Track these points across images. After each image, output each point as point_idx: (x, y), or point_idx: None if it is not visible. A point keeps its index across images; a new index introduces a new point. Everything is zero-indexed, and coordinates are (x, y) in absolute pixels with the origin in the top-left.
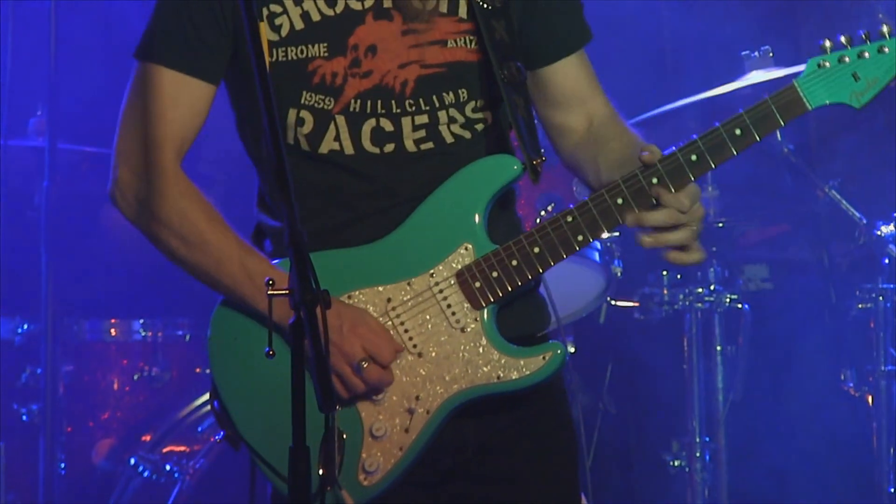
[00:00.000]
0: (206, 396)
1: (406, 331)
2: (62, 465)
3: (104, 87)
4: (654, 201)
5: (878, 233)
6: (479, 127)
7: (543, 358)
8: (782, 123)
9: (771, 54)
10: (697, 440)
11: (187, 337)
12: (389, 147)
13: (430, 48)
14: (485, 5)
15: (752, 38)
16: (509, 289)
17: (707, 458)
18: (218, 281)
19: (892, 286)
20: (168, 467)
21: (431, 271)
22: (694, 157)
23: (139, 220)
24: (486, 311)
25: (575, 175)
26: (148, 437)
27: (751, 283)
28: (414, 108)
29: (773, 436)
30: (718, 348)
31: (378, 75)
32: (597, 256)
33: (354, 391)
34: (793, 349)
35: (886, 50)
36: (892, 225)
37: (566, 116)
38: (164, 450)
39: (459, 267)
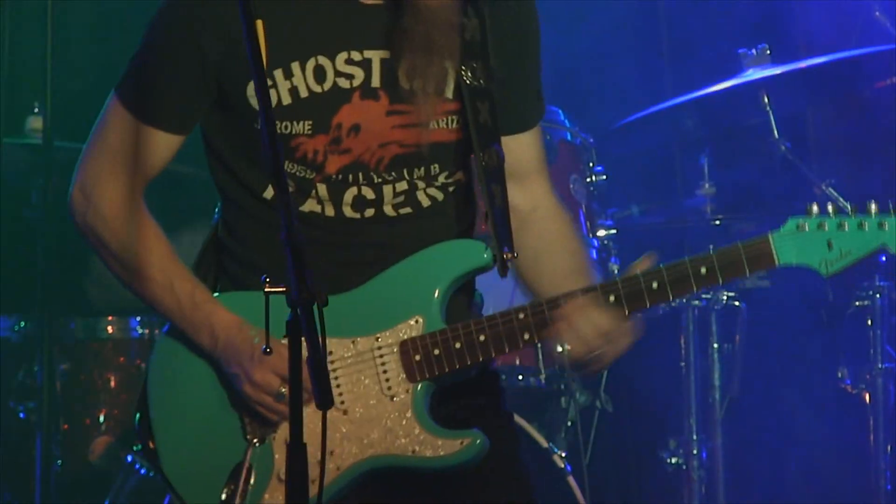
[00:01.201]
0: None
1: (338, 386)
2: (58, 463)
3: (100, 84)
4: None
5: None
6: (452, 189)
7: (461, 443)
8: (747, 273)
9: (768, 52)
10: (695, 438)
11: None
12: (370, 212)
13: (412, 129)
14: (471, 83)
15: (750, 35)
16: (446, 369)
17: (704, 456)
18: (153, 306)
19: (888, 283)
20: None
21: (378, 335)
22: (655, 285)
23: (84, 237)
24: (419, 385)
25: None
26: None
27: (748, 280)
28: (393, 177)
29: (771, 434)
30: (715, 346)
31: (357, 153)
32: (594, 254)
33: (262, 418)
34: (790, 347)
35: (866, 227)
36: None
37: (511, 193)
38: None
39: (405, 337)
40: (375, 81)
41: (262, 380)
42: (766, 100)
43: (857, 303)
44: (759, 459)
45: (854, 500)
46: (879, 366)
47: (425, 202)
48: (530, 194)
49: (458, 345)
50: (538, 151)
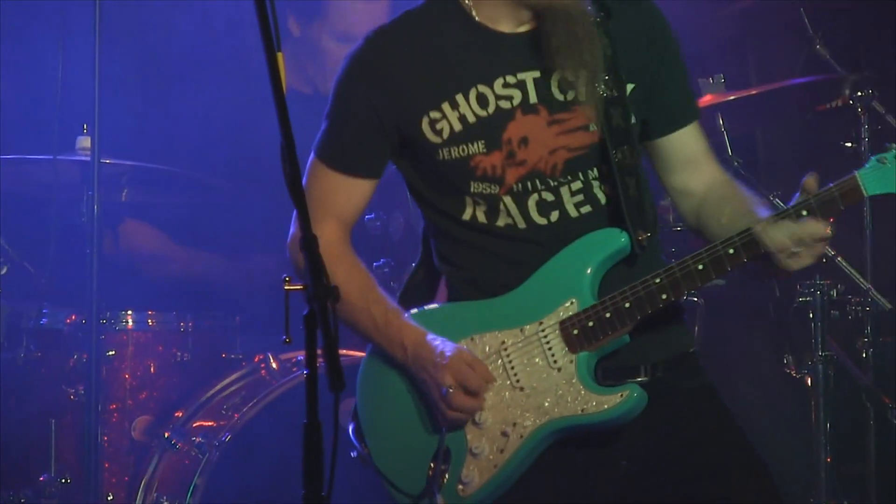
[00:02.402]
0: (230, 378)
1: (512, 367)
2: (105, 440)
3: (142, 107)
4: (728, 269)
5: None
6: (622, 186)
7: (620, 396)
8: (841, 207)
9: (723, 80)
10: None
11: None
12: (555, 215)
13: (574, 134)
14: (604, 94)
15: (708, 65)
16: (601, 337)
17: None
18: (355, 327)
19: (827, 282)
20: (197, 440)
21: (541, 320)
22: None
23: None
24: (580, 355)
25: (699, 235)
26: (180, 414)
27: None
28: (567, 180)
29: None
30: None
31: (531, 163)
32: None
33: (443, 414)
34: (742, 338)
35: None
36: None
37: (686, 180)
38: (194, 425)
39: (564, 317)
40: (532, 98)
41: (441, 380)
42: (721, 122)
43: (800, 299)
44: None
45: (798, 472)
46: (820, 354)
47: (602, 199)
48: (701, 178)
49: (608, 315)
50: (701, 142)
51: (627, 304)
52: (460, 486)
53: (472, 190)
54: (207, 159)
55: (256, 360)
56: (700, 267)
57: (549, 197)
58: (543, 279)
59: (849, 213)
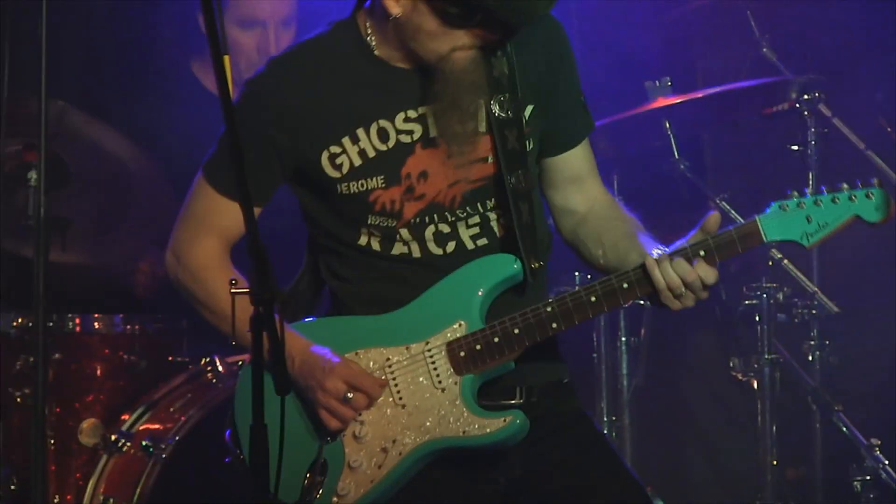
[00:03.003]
0: (177, 381)
1: (396, 385)
2: (52, 443)
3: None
4: (622, 302)
5: None
6: (516, 212)
7: (504, 421)
8: (740, 250)
9: (670, 83)
10: (605, 419)
11: (159, 329)
12: (451, 245)
13: (473, 166)
14: (498, 115)
15: (654, 68)
16: (488, 360)
17: (613, 434)
18: (241, 343)
19: (773, 286)
20: (144, 443)
21: (427, 340)
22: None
23: (178, 292)
24: (465, 377)
25: (575, 252)
26: (127, 417)
27: None
28: (465, 214)
29: (672, 415)
30: (623, 339)
31: (430, 196)
32: None
33: (346, 420)
34: (689, 340)
35: (839, 201)
36: None
37: (566, 198)
38: (141, 427)
39: (451, 338)
40: (433, 132)
41: (332, 386)
42: (667, 125)
43: (746, 302)
44: (661, 438)
45: (744, 473)
46: (766, 356)
47: (499, 231)
48: (586, 195)
49: (496, 339)
50: (589, 158)
51: (517, 331)
52: (335, 499)
53: (369, 222)
54: (161, 162)
55: (203, 362)
56: (592, 299)
57: (445, 229)
58: (432, 299)
59: None
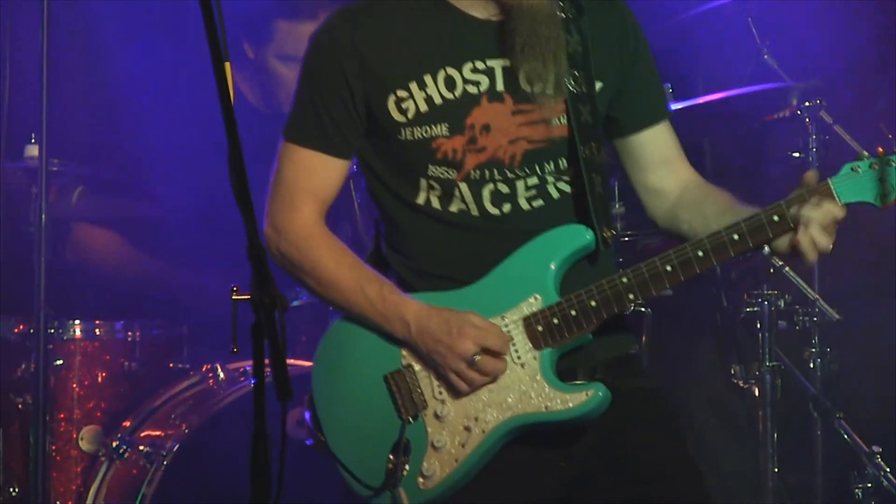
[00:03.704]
0: (178, 387)
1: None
2: (53, 449)
3: (90, 116)
4: (698, 270)
5: None
6: (580, 183)
7: (586, 395)
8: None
9: (671, 89)
10: None
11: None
12: (507, 207)
13: (536, 126)
14: (573, 90)
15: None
16: (566, 334)
17: None
18: (349, 310)
19: (774, 293)
20: (145, 449)
21: (504, 314)
22: (776, 218)
23: (282, 266)
24: (544, 351)
25: (672, 235)
26: (128, 423)
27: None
28: (524, 174)
29: None
30: None
31: (491, 150)
32: None
33: (474, 384)
34: (690, 347)
35: None
36: None
37: (658, 179)
38: (142, 434)
39: (528, 313)
40: (500, 86)
41: (463, 348)
42: None
43: (747, 309)
44: None
45: (746, 481)
46: (767, 364)
47: (555, 195)
48: (676, 176)
49: (573, 312)
50: (673, 141)
51: (594, 303)
52: (421, 480)
53: (429, 173)
54: (156, 167)
55: (204, 369)
56: (668, 268)
57: (504, 188)
58: (506, 273)
59: None
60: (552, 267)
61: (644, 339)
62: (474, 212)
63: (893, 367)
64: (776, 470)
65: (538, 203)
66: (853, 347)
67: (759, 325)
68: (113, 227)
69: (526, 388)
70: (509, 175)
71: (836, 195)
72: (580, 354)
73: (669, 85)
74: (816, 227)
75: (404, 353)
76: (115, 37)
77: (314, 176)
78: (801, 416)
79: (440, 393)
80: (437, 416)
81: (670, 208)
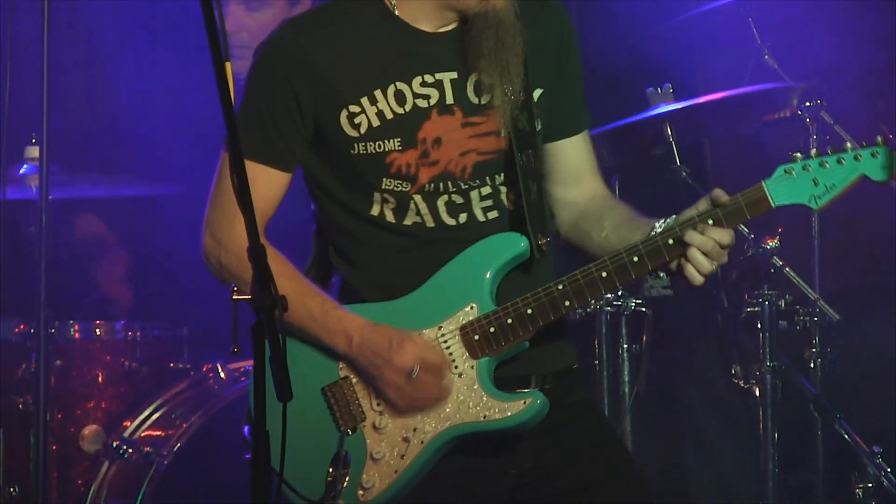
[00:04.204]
0: (179, 387)
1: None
2: (53, 449)
3: (90, 118)
4: (633, 276)
5: (764, 246)
6: (525, 190)
7: (524, 403)
8: (748, 216)
9: (671, 90)
10: None
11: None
12: (463, 217)
13: (486, 138)
14: (511, 96)
15: (656, 76)
16: (503, 342)
17: None
18: (290, 322)
19: (775, 292)
20: (145, 449)
21: (440, 325)
22: (671, 241)
23: (221, 277)
24: (481, 360)
25: (573, 246)
26: (128, 423)
27: (653, 289)
28: (476, 184)
29: (673, 422)
30: (625, 347)
31: (443, 163)
32: None
33: (412, 399)
34: (690, 347)
35: (844, 161)
36: (776, 239)
37: (567, 191)
38: (143, 434)
39: (464, 322)
40: (449, 99)
41: (401, 362)
42: (669, 131)
43: (748, 309)
44: (662, 445)
45: (746, 481)
46: (767, 364)
47: (508, 206)
48: (586, 189)
49: (509, 321)
50: (589, 154)
51: (530, 311)
52: (361, 492)
53: (383, 186)
54: (157, 169)
55: (204, 369)
56: (604, 274)
57: (458, 199)
58: (442, 283)
59: (797, 223)
60: (487, 275)
61: (645, 339)
62: (430, 223)
63: (893, 367)
64: (776, 470)
65: (493, 214)
66: (853, 347)
67: (759, 326)
68: (113, 228)
69: (464, 397)
70: (462, 186)
71: (770, 197)
72: (533, 363)
73: (670, 85)
74: (696, 252)
75: (342, 365)
76: (116, 37)
77: (257, 187)
78: (802, 416)
79: (378, 404)
80: (375, 428)
81: (574, 219)
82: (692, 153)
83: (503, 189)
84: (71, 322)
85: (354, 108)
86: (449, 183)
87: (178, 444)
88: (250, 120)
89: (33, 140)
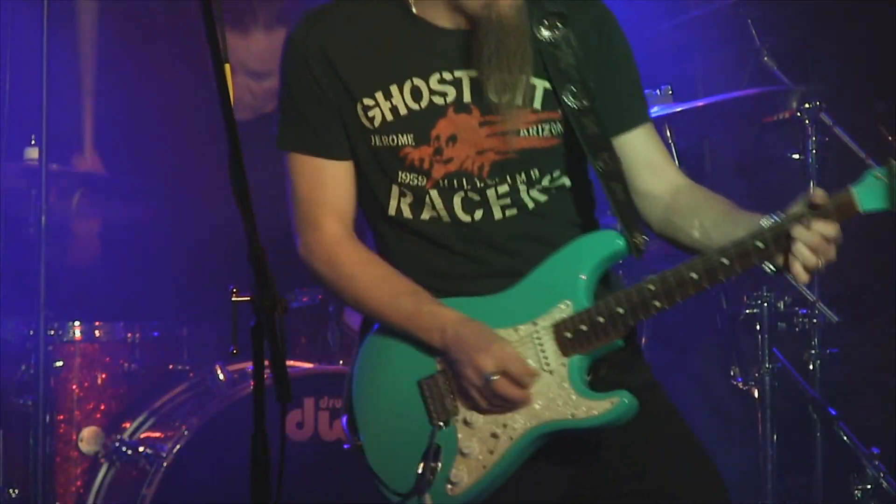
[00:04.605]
0: (178, 389)
1: None
2: (53, 450)
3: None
4: (722, 278)
5: None
6: (556, 192)
7: (611, 403)
8: (836, 221)
9: (671, 92)
10: None
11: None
12: (479, 214)
13: (505, 137)
14: (574, 105)
15: (655, 76)
16: (594, 342)
17: None
18: (387, 324)
19: (774, 294)
20: (145, 451)
21: (535, 320)
22: (759, 244)
23: (320, 284)
24: (573, 358)
25: (668, 240)
26: (128, 425)
27: None
28: (494, 183)
29: None
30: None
31: (458, 161)
32: None
33: (487, 402)
34: (689, 349)
35: None
36: None
37: (647, 181)
38: (142, 436)
39: (558, 319)
40: (467, 97)
41: (483, 363)
42: (668, 133)
43: (747, 311)
44: None
45: (744, 482)
46: (766, 366)
47: (530, 204)
48: (667, 180)
49: (601, 319)
50: (658, 145)
51: (621, 310)
52: (449, 486)
53: (399, 179)
54: (158, 169)
55: (204, 371)
56: (693, 275)
57: (475, 196)
58: (538, 280)
59: None
60: (583, 273)
61: (644, 339)
62: (445, 219)
63: (893, 369)
64: (775, 471)
65: (511, 212)
66: (852, 349)
67: (758, 327)
68: (113, 228)
69: (553, 395)
70: (479, 185)
71: (857, 202)
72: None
73: (669, 86)
74: (802, 247)
75: (439, 359)
76: (115, 37)
77: (326, 188)
78: (801, 417)
79: (470, 399)
80: (466, 423)
81: (664, 214)
82: (691, 154)
83: (523, 188)
84: (70, 323)
85: (368, 102)
86: (464, 180)
87: (178, 446)
88: (289, 114)
89: (32, 142)
